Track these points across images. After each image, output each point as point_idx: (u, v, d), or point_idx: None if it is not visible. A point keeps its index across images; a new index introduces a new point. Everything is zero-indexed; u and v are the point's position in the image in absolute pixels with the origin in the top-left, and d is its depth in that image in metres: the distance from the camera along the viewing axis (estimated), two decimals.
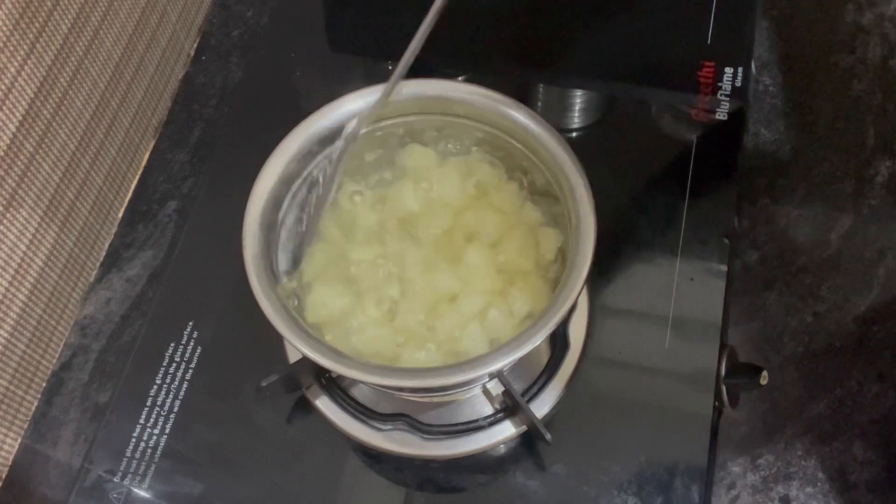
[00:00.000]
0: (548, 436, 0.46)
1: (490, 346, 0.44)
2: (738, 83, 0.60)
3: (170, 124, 0.66)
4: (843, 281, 0.58)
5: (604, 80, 0.62)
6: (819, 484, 0.52)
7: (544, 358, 0.51)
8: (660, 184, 0.57)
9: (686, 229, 0.55)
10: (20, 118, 0.53)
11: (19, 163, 0.53)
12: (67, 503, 0.50)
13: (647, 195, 0.57)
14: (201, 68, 0.69)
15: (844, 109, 0.64)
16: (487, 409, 0.49)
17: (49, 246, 0.57)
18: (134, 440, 0.51)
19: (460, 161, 0.50)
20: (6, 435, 0.55)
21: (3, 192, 0.52)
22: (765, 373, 0.49)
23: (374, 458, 0.50)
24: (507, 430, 0.49)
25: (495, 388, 0.48)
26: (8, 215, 0.53)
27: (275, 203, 0.45)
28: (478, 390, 0.50)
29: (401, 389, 0.48)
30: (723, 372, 0.50)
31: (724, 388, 0.50)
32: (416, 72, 0.46)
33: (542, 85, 0.63)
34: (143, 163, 0.65)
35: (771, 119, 0.63)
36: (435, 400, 0.50)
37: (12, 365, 0.55)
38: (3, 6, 0.50)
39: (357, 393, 0.50)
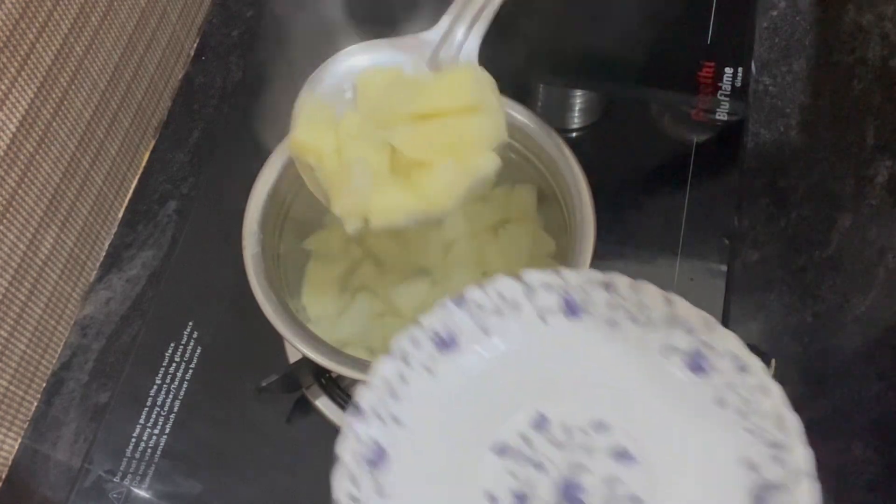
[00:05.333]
0: None
1: None
2: (738, 83, 0.60)
3: (170, 124, 0.66)
4: (843, 281, 0.57)
5: (604, 80, 0.62)
6: (819, 484, 0.52)
7: None
8: (660, 184, 0.57)
9: (686, 229, 0.54)
10: (20, 118, 0.53)
11: (19, 163, 0.53)
12: (67, 503, 0.50)
13: (647, 195, 0.57)
14: (201, 68, 0.69)
15: (844, 109, 0.63)
16: None
17: (49, 246, 0.57)
18: (134, 440, 0.51)
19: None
20: (6, 435, 0.55)
21: (3, 192, 0.52)
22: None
23: None
24: None
25: None
26: (8, 215, 0.53)
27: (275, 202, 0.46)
28: None
29: None
30: None
31: None
32: None
33: (542, 85, 0.63)
34: (143, 163, 0.65)
35: (771, 119, 0.63)
36: None
37: (12, 365, 0.55)
38: (3, 6, 0.50)
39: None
